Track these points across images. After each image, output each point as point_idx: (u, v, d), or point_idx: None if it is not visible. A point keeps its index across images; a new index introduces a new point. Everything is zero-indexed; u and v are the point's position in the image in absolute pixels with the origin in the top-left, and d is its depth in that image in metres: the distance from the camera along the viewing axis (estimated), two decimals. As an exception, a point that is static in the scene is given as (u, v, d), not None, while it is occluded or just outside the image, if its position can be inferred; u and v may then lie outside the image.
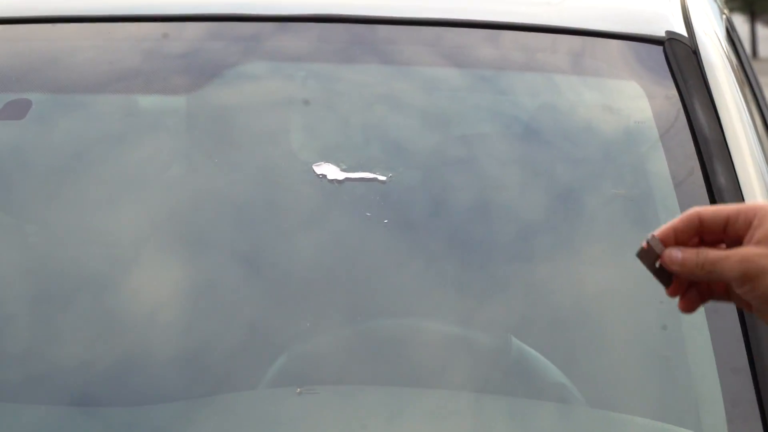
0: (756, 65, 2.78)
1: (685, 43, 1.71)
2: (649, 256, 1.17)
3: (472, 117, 1.57)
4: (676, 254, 1.15)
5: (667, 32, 1.73)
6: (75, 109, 1.74)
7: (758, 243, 1.12)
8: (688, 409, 1.41)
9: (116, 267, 1.52)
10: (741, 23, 23.34)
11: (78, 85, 1.75)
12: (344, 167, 1.56)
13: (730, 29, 2.34)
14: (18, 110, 1.70)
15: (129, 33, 1.82)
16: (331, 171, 1.55)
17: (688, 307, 1.18)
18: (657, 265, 1.17)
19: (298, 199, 1.58)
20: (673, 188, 1.51)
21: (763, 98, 2.38)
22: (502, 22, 1.79)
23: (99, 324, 1.46)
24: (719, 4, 2.35)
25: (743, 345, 1.39)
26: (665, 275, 1.17)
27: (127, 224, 1.56)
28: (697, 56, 1.69)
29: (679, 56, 1.68)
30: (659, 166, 1.53)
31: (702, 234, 1.15)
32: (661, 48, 1.70)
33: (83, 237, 1.55)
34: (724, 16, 2.30)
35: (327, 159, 1.56)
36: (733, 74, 1.77)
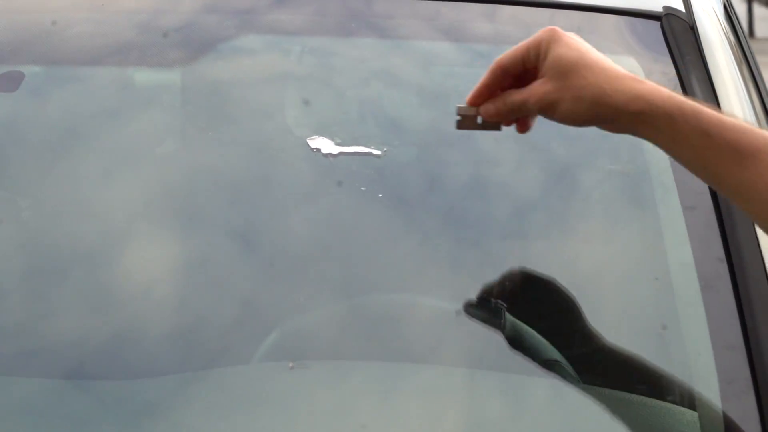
0: (753, 45, 2.76)
1: (682, 19, 1.70)
2: (468, 122, 1.36)
3: (468, 92, 1.55)
4: (489, 107, 1.35)
5: (665, 7, 1.72)
6: (68, 81, 1.74)
7: (544, 76, 1.31)
8: (682, 385, 1.41)
9: (109, 241, 1.52)
10: (738, 2, 23.33)
11: (71, 57, 1.74)
12: (339, 141, 1.55)
13: (728, 6, 2.33)
14: (10, 82, 1.69)
15: (123, 5, 1.81)
16: (325, 145, 1.55)
17: (523, 128, 1.39)
18: (480, 122, 1.35)
19: (292, 174, 1.57)
20: (669, 164, 1.50)
21: (761, 77, 2.37)
22: None
23: (92, 298, 1.46)
24: (717, -20, 2.34)
25: (738, 322, 1.38)
26: (492, 125, 1.36)
27: (120, 199, 1.55)
28: (694, 32, 1.68)
29: (676, 32, 1.67)
30: None
31: (510, 78, 1.34)
32: (658, 23, 1.69)
33: (77, 211, 1.55)
34: (722, -6, 2.29)
35: (322, 133, 1.55)
36: (731, 51, 1.76)
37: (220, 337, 1.42)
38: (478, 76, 1.48)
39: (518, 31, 1.75)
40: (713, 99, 1.59)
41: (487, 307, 1.46)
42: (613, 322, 1.44)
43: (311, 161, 1.54)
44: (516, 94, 1.34)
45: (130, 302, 1.45)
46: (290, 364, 1.36)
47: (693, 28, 1.69)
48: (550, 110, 1.32)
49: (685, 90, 1.60)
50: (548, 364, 1.42)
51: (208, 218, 1.54)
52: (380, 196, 1.51)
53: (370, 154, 1.55)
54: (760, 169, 1.24)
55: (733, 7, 2.60)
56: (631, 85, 1.29)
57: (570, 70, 1.30)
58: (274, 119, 1.67)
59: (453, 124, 1.38)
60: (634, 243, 1.47)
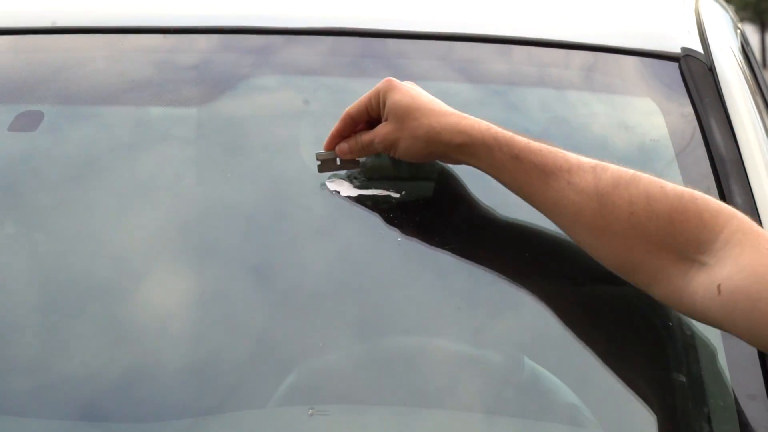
0: (767, 75, 2.76)
1: (700, 60, 1.70)
2: (328, 165, 1.57)
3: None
4: (343, 147, 1.57)
5: (683, 48, 1.72)
6: (86, 120, 1.74)
7: (385, 120, 1.54)
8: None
9: (125, 278, 1.51)
10: (751, 33, 23.32)
11: (90, 96, 1.75)
12: (357, 184, 1.55)
13: (744, 43, 2.33)
14: (30, 122, 1.69)
15: (140, 44, 1.82)
16: (344, 187, 1.54)
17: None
18: (338, 162, 1.57)
19: (309, 212, 1.57)
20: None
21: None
22: (515, 36, 1.78)
23: (108, 336, 1.45)
24: (733, 18, 2.34)
25: (760, 370, 1.37)
26: (351, 163, 1.57)
27: (137, 235, 1.55)
28: (713, 73, 1.68)
29: (694, 73, 1.68)
30: (675, 183, 1.51)
31: (360, 123, 1.56)
32: (676, 64, 1.70)
33: (94, 248, 1.54)
34: (738, 31, 2.29)
35: (339, 174, 1.57)
36: (748, 90, 1.76)
37: (235, 379, 1.41)
38: (493, 116, 1.49)
39: (535, 71, 1.75)
40: (732, 141, 1.58)
41: (505, 350, 1.45)
42: (632, 367, 1.43)
43: (328, 200, 1.54)
44: (365, 135, 1.56)
45: (144, 341, 1.45)
46: (310, 411, 1.35)
47: (711, 69, 1.68)
48: (392, 148, 1.54)
49: (704, 130, 1.59)
50: (567, 409, 1.41)
51: (224, 256, 1.53)
52: (399, 240, 1.51)
53: (389, 196, 1.54)
54: (561, 185, 1.42)
55: (749, 44, 2.60)
56: (456, 121, 1.50)
57: (405, 114, 1.52)
58: (291, 158, 1.66)
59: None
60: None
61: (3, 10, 1.97)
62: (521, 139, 1.46)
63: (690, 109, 1.64)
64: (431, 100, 1.53)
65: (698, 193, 1.38)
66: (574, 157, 1.43)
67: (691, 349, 1.44)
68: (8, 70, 1.80)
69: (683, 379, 1.40)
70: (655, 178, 1.39)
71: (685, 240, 1.35)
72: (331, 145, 1.57)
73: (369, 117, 1.57)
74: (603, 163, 1.42)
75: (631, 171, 1.40)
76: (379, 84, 1.55)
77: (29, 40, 1.86)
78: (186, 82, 1.75)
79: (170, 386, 1.40)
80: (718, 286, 1.30)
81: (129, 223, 1.56)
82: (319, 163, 1.57)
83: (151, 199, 1.60)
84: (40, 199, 1.61)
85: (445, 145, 1.50)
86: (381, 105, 1.54)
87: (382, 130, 1.54)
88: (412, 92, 1.53)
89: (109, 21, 1.86)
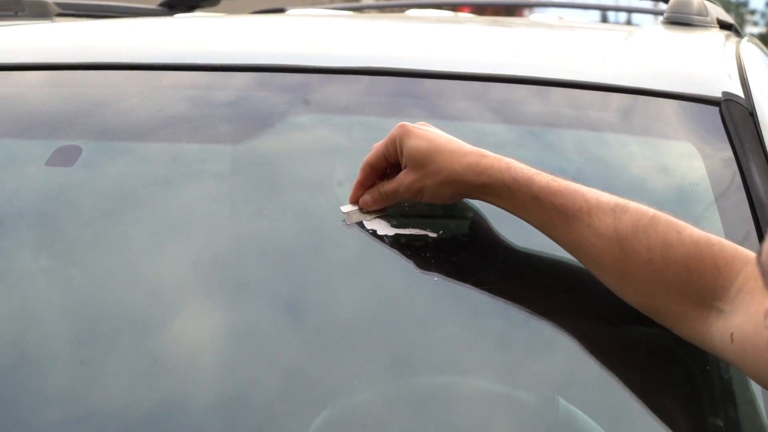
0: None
1: (741, 104, 1.69)
2: (356, 216, 1.56)
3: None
4: (367, 199, 1.56)
5: (724, 93, 1.70)
6: (123, 155, 1.74)
7: (406, 167, 1.53)
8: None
9: (159, 314, 1.51)
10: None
11: (127, 131, 1.75)
12: (394, 223, 1.54)
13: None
14: (68, 157, 1.70)
15: (177, 81, 1.82)
16: (380, 226, 1.54)
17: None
18: (365, 212, 1.55)
19: (344, 250, 1.57)
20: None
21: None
22: (554, 78, 1.77)
23: (139, 370, 1.44)
24: (772, 61, 2.32)
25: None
26: (378, 211, 1.56)
27: (171, 271, 1.55)
28: (753, 118, 1.66)
29: (735, 117, 1.66)
30: (714, 228, 1.50)
31: (380, 171, 1.56)
32: (717, 109, 1.69)
33: (129, 283, 1.54)
34: (777, 75, 2.27)
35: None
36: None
37: (267, 415, 1.40)
38: (529, 158, 1.48)
39: (571, 113, 1.74)
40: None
41: (540, 390, 1.44)
42: (669, 409, 1.41)
43: (362, 237, 1.53)
44: (387, 185, 1.55)
45: (176, 375, 1.44)
46: None
47: (752, 114, 1.67)
48: (419, 195, 1.53)
49: (743, 175, 1.58)
50: None
51: (257, 292, 1.53)
52: (435, 279, 1.50)
53: (425, 236, 1.53)
54: (582, 228, 1.42)
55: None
56: (477, 161, 1.48)
57: (424, 159, 1.50)
58: (325, 194, 1.66)
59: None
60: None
61: (43, 45, 1.98)
62: (540, 179, 1.45)
63: (730, 154, 1.62)
64: (449, 140, 1.52)
65: (714, 238, 1.38)
66: (593, 197, 1.43)
67: (728, 393, 1.42)
68: (47, 105, 1.81)
69: (720, 423, 1.38)
70: (674, 220, 1.39)
71: (702, 287, 1.35)
72: (355, 198, 1.57)
73: (388, 164, 1.56)
74: (622, 203, 1.41)
75: (650, 212, 1.40)
76: (393, 131, 1.53)
77: (68, 76, 1.87)
78: (222, 119, 1.75)
79: (201, 422, 1.39)
80: (731, 335, 1.31)
81: (163, 259, 1.56)
82: (346, 220, 1.56)
83: (185, 236, 1.60)
84: (76, 233, 1.62)
85: (469, 185, 1.49)
86: (399, 151, 1.53)
87: (404, 180, 1.53)
88: (428, 135, 1.52)
89: (148, 57, 1.87)
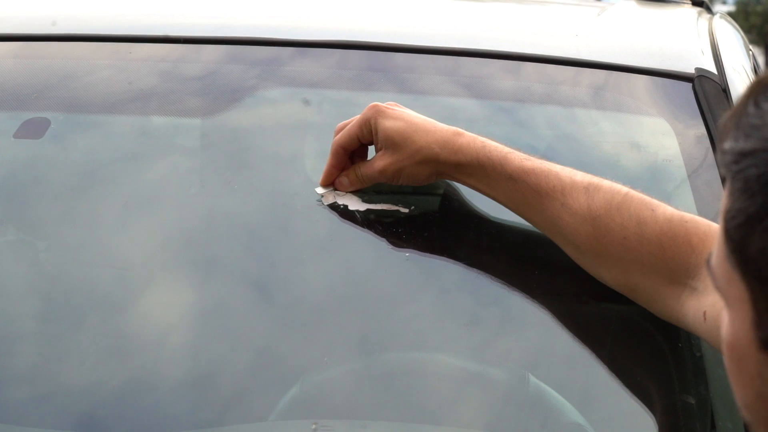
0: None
1: (714, 81, 1.69)
2: (331, 197, 1.53)
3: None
4: (343, 181, 1.54)
5: (697, 69, 1.70)
6: (92, 128, 1.72)
7: (381, 149, 1.51)
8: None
9: (127, 288, 1.50)
10: (757, 54, 23.34)
11: (96, 104, 1.73)
12: (365, 198, 1.54)
13: (756, 66, 2.31)
14: (37, 129, 1.68)
15: (148, 53, 1.80)
16: (351, 201, 1.53)
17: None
18: (343, 194, 1.53)
19: (314, 225, 1.55)
20: None
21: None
22: (526, 53, 1.76)
23: (107, 346, 1.43)
24: (744, 40, 2.32)
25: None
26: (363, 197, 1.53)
27: (139, 245, 1.53)
28: (726, 94, 1.66)
29: (708, 94, 1.66)
30: (686, 206, 1.50)
31: (350, 154, 1.53)
32: (690, 85, 1.69)
33: (96, 256, 1.53)
34: (750, 52, 2.27)
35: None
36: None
37: (237, 391, 1.39)
38: (501, 133, 1.48)
39: (544, 89, 1.74)
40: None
41: (509, 367, 1.43)
42: (638, 386, 1.41)
43: (334, 212, 1.53)
44: (364, 168, 1.53)
45: (145, 351, 1.43)
46: (313, 426, 1.33)
47: (725, 90, 1.67)
48: (395, 177, 1.51)
49: (716, 152, 1.57)
50: (571, 428, 1.39)
51: (227, 268, 1.52)
52: (407, 255, 1.49)
53: (397, 212, 1.53)
54: (555, 206, 1.42)
55: (759, 66, 2.59)
56: (453, 139, 1.47)
57: (402, 140, 1.48)
58: (295, 168, 1.66)
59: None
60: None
61: (10, 16, 1.95)
62: (514, 159, 1.45)
63: (703, 130, 1.62)
64: (424, 120, 1.51)
65: (688, 216, 1.37)
66: (567, 175, 1.43)
67: (699, 371, 1.42)
68: (15, 77, 1.79)
69: (691, 400, 1.38)
70: (647, 198, 1.39)
71: (676, 265, 1.35)
72: (329, 180, 1.54)
73: (360, 145, 1.54)
74: (596, 182, 1.41)
75: (624, 190, 1.39)
76: (366, 111, 1.51)
77: (36, 47, 1.85)
78: (192, 93, 1.74)
79: (172, 398, 1.39)
80: (704, 313, 1.31)
81: (132, 233, 1.55)
82: (321, 199, 1.54)
83: (154, 210, 1.59)
84: (43, 206, 1.60)
85: (445, 164, 1.48)
86: (373, 132, 1.51)
87: (381, 162, 1.51)
88: (403, 115, 1.51)
89: (117, 30, 1.85)
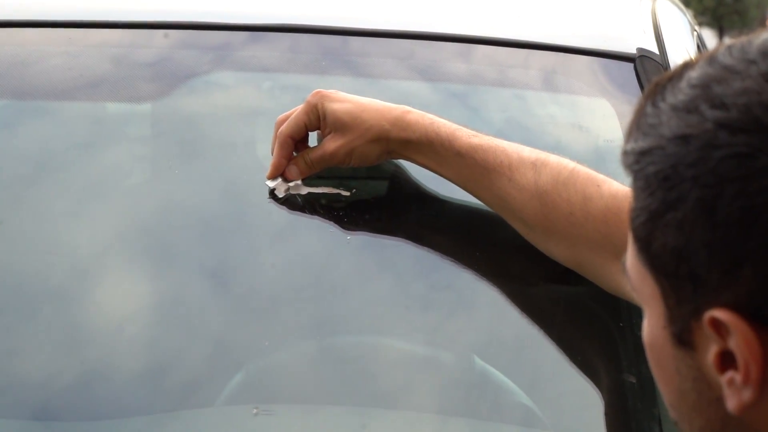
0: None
1: (656, 61, 1.69)
2: (283, 188, 1.51)
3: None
4: (293, 171, 1.52)
5: (638, 49, 1.71)
6: (40, 115, 1.71)
7: (330, 132, 1.50)
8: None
9: (76, 277, 1.50)
10: (710, 38, 23.46)
11: (44, 91, 1.72)
12: (306, 181, 1.54)
13: (701, 46, 2.33)
14: None
15: (96, 39, 1.79)
16: (304, 190, 1.53)
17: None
18: (292, 184, 1.51)
19: (261, 212, 1.56)
20: None
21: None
22: (473, 36, 1.77)
23: (57, 336, 1.43)
24: (690, 20, 2.34)
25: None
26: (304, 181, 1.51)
27: (89, 234, 1.53)
28: None
29: (650, 74, 1.66)
30: (629, 184, 1.51)
31: (296, 143, 1.52)
32: (631, 65, 1.69)
33: (45, 245, 1.52)
34: (695, 33, 2.29)
35: None
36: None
37: (186, 378, 1.40)
38: (452, 116, 1.49)
39: (493, 71, 1.74)
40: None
41: (457, 350, 1.44)
42: (584, 367, 1.42)
43: (279, 198, 1.52)
44: (312, 153, 1.52)
45: (95, 341, 1.43)
46: (254, 410, 1.34)
47: (667, 70, 1.67)
48: (347, 159, 1.50)
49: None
50: (518, 409, 1.40)
51: (175, 254, 1.52)
52: (349, 238, 1.50)
53: (338, 194, 1.53)
54: (503, 182, 1.42)
55: (705, 47, 2.60)
56: (402, 116, 1.48)
57: (353, 120, 1.48)
58: (246, 156, 1.66)
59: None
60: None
61: None
62: (462, 135, 1.46)
63: (645, 110, 1.63)
64: (371, 100, 1.51)
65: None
66: (514, 151, 1.43)
67: (642, 350, 1.44)
68: None
69: (633, 380, 1.40)
70: (594, 174, 1.40)
71: (620, 240, 1.33)
72: (278, 171, 1.53)
73: (306, 132, 1.54)
74: (543, 157, 1.42)
75: (570, 165, 1.41)
76: (310, 98, 1.51)
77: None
78: (141, 79, 1.73)
79: (120, 386, 1.39)
80: None
81: (81, 221, 1.54)
82: (272, 191, 1.52)
83: (104, 197, 1.58)
84: None
85: (395, 141, 1.48)
86: (321, 117, 1.51)
87: (331, 144, 1.50)
88: (349, 97, 1.51)
89: (65, 15, 1.83)
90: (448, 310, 1.49)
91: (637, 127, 0.89)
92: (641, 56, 1.70)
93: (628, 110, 1.62)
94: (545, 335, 1.44)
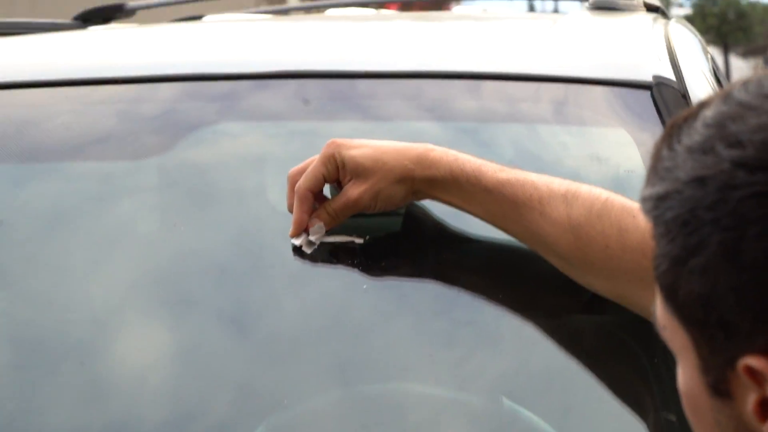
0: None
1: (673, 87, 1.66)
2: (310, 243, 1.47)
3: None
4: (317, 224, 1.47)
5: (655, 76, 1.68)
6: (51, 175, 1.70)
7: (351, 180, 1.45)
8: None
9: (99, 337, 1.48)
10: (715, 55, 23.53)
11: (53, 151, 1.71)
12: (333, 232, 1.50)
13: (714, 68, 2.31)
14: None
15: (100, 96, 1.78)
16: (316, 237, 1.49)
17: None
18: (314, 238, 1.46)
19: (276, 261, 1.53)
20: None
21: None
22: (483, 72, 1.75)
23: (76, 393, 1.42)
24: (702, 43, 2.32)
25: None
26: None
27: (104, 291, 1.51)
28: (686, 100, 1.64)
29: (668, 100, 1.63)
30: None
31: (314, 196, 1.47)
32: (648, 93, 1.66)
33: (60, 305, 1.51)
34: (708, 55, 2.27)
35: None
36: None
37: (207, 428, 1.38)
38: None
39: (505, 107, 1.72)
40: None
41: (486, 393, 1.41)
42: (618, 407, 1.38)
43: (293, 247, 1.49)
44: (334, 202, 1.47)
45: (113, 394, 1.42)
46: None
47: (685, 96, 1.64)
48: (372, 203, 1.46)
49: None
50: None
51: (191, 305, 1.50)
52: (365, 286, 1.46)
53: (352, 242, 1.50)
54: (534, 216, 1.38)
55: (718, 68, 2.58)
56: (425, 155, 1.44)
57: (374, 164, 1.44)
58: (258, 204, 1.64)
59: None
60: (637, 321, 1.42)
61: None
62: (489, 170, 1.42)
63: (664, 138, 1.60)
64: (389, 143, 1.47)
65: None
66: (544, 183, 1.40)
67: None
68: None
69: (673, 418, 1.36)
70: (629, 204, 1.35)
71: None
72: (302, 227, 1.47)
73: (323, 184, 1.49)
74: (573, 188, 1.38)
75: (603, 196, 1.37)
76: (326, 149, 1.46)
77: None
78: (148, 132, 1.72)
79: None
80: None
81: (93, 278, 1.53)
82: (299, 246, 1.47)
83: (121, 254, 1.56)
84: (5, 256, 1.58)
85: (420, 181, 1.44)
86: (340, 166, 1.46)
87: (354, 191, 1.45)
88: (366, 142, 1.47)
89: (63, 74, 1.82)
90: (476, 350, 1.45)
91: (654, 171, 0.86)
92: (658, 83, 1.67)
93: (648, 139, 1.60)
94: (577, 372, 1.40)
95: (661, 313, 0.88)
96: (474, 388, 1.41)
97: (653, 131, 1.60)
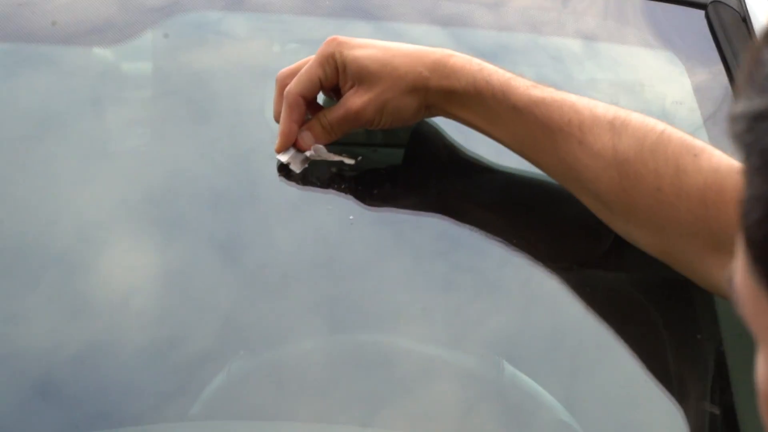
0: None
1: (732, 7, 1.53)
2: (299, 161, 1.29)
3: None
4: (307, 137, 1.29)
5: None
6: (37, 61, 1.60)
7: (353, 87, 1.26)
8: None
9: (87, 252, 1.39)
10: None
11: (41, 36, 1.61)
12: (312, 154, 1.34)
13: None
14: None
15: None
16: (310, 154, 1.32)
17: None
18: (309, 155, 1.28)
19: (273, 187, 1.38)
20: None
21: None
22: None
23: (54, 306, 1.33)
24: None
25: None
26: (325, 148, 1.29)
27: (98, 203, 1.42)
28: (746, 23, 1.50)
29: (725, 23, 1.49)
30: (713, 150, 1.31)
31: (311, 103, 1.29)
32: (703, 13, 1.53)
33: (53, 216, 1.42)
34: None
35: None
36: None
37: (195, 356, 1.28)
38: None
39: (540, 16, 1.58)
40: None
41: (484, 355, 1.24)
42: (627, 376, 1.22)
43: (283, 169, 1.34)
44: (331, 113, 1.29)
45: (103, 315, 1.33)
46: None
47: (745, 19, 1.51)
48: (376, 117, 1.27)
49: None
50: (554, 425, 1.20)
51: (179, 224, 1.40)
52: (351, 217, 1.30)
53: (341, 162, 1.33)
54: (571, 145, 1.20)
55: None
56: (444, 61, 1.25)
57: (381, 67, 1.25)
58: (253, 111, 1.50)
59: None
60: (655, 284, 1.26)
61: None
62: (519, 85, 1.22)
63: (720, 67, 1.45)
64: (401, 45, 1.27)
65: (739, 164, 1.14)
66: (585, 107, 1.20)
67: (693, 360, 1.24)
68: None
69: (717, 411, 1.19)
70: (689, 139, 1.16)
71: (721, 226, 1.11)
72: (290, 140, 1.29)
73: (319, 90, 1.29)
74: (622, 115, 1.18)
75: (659, 127, 1.17)
76: (325, 46, 1.27)
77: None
78: (146, 23, 1.61)
79: (128, 364, 1.28)
80: None
81: (90, 191, 1.44)
82: (285, 163, 1.31)
83: (111, 166, 1.47)
84: None
85: (435, 92, 1.25)
86: (340, 69, 1.27)
87: (356, 100, 1.26)
88: (372, 42, 1.27)
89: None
90: (469, 303, 1.28)
91: (750, 81, 0.63)
92: (714, 2, 1.53)
93: (699, 64, 1.46)
94: (589, 338, 1.24)
95: (742, 280, 0.66)
96: (472, 349, 1.26)
97: (707, 56, 1.47)
